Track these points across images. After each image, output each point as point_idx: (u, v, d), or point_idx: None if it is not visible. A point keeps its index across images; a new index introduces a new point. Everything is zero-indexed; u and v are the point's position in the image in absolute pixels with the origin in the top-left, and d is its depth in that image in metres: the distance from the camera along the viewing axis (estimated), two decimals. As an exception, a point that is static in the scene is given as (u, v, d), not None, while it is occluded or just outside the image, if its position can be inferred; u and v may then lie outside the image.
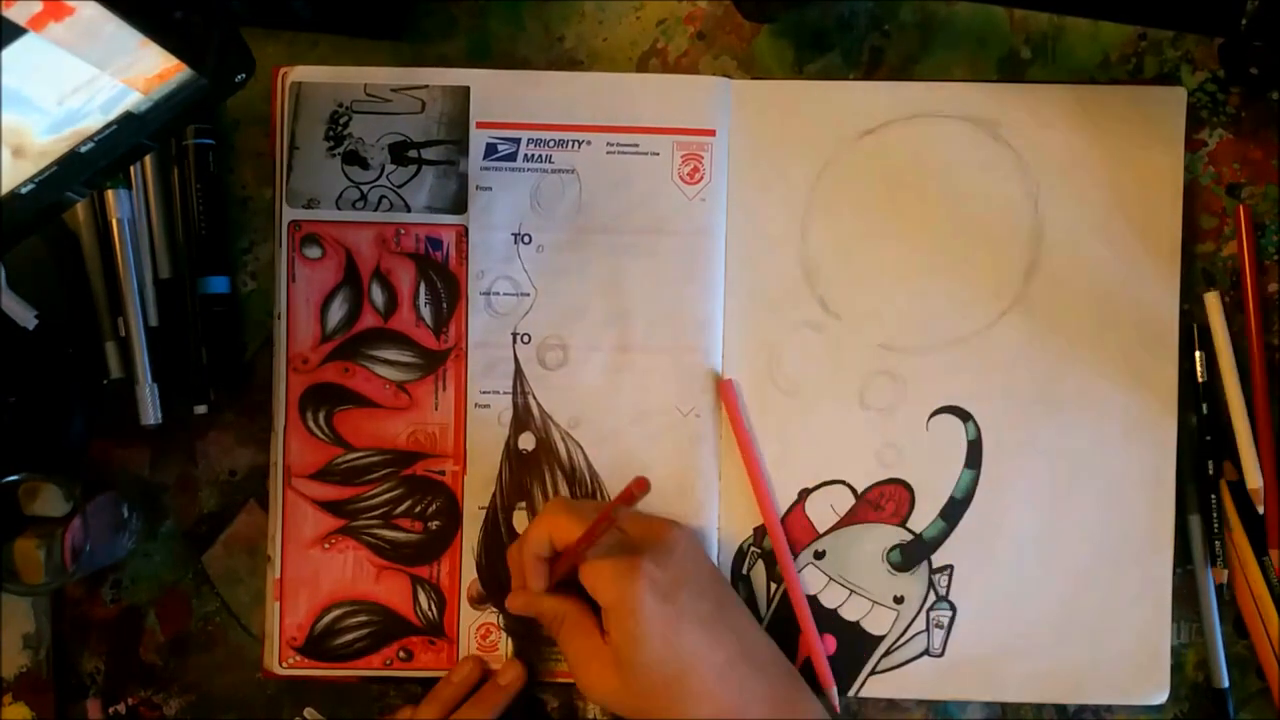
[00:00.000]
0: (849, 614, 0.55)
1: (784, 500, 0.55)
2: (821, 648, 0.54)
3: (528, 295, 0.55)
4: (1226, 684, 0.54)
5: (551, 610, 0.51)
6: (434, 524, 0.55)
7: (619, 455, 0.55)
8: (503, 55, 0.56)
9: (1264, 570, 0.54)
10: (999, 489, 0.55)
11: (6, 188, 0.37)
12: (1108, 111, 0.55)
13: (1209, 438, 0.55)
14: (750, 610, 0.52)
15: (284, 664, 0.55)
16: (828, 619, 0.55)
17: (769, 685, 0.49)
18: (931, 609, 0.55)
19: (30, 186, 0.38)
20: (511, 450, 0.55)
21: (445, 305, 0.55)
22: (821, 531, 0.55)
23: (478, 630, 0.55)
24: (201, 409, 0.55)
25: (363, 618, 0.55)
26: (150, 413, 0.54)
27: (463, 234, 0.55)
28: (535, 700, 0.56)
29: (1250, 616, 0.54)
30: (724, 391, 0.54)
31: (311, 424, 0.55)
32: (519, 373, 0.55)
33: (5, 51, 0.34)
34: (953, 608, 0.55)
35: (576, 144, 0.55)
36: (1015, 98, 0.55)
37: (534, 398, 0.55)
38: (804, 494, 0.55)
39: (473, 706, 0.53)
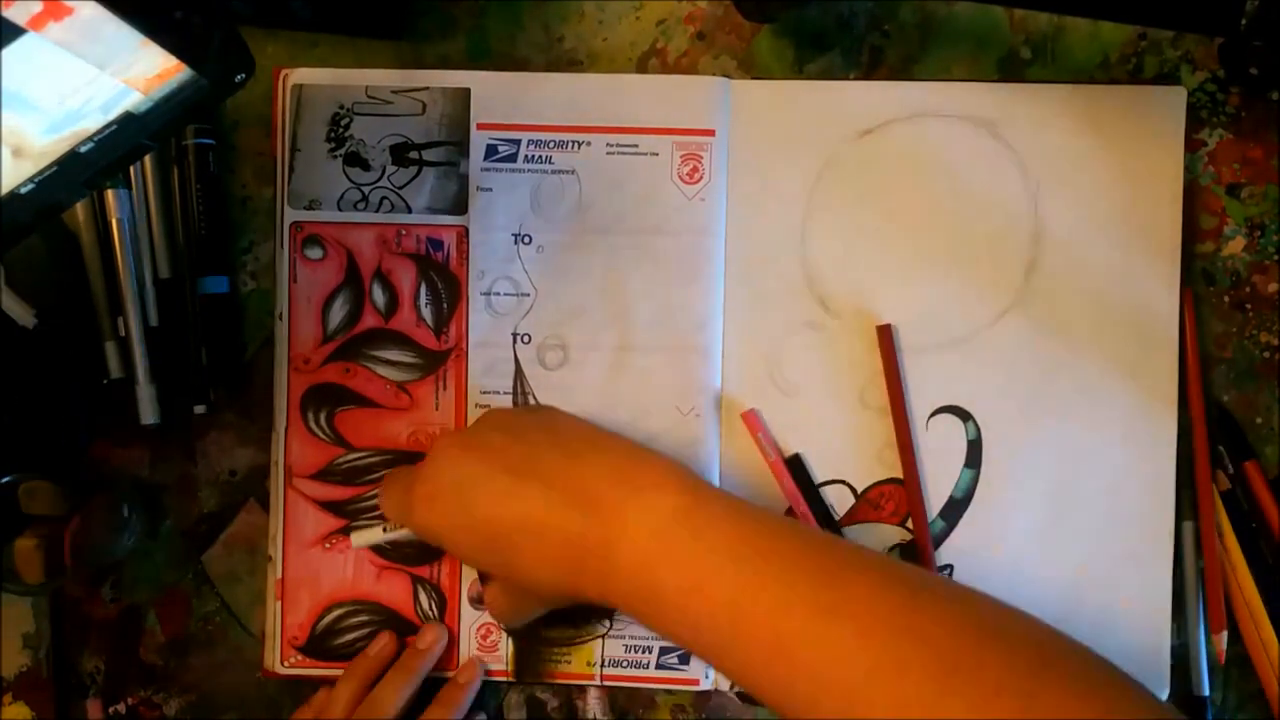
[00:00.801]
0: (849, 614, 0.55)
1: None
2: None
3: (528, 295, 0.56)
4: (1207, 691, 0.54)
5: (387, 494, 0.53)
6: (434, 524, 0.55)
7: (619, 455, 0.55)
8: (502, 55, 0.56)
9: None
10: (999, 488, 0.55)
11: (6, 188, 0.37)
12: (1108, 111, 0.55)
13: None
14: None
15: (286, 663, 0.55)
16: (828, 619, 0.55)
17: (615, 467, 0.47)
18: (932, 609, 0.55)
19: (30, 186, 0.38)
20: (512, 450, 0.55)
21: (446, 306, 0.56)
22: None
23: (478, 630, 0.55)
24: (201, 409, 0.55)
25: (364, 617, 0.55)
26: (150, 413, 0.54)
27: (463, 235, 0.55)
28: (536, 701, 0.56)
29: (1244, 623, 0.54)
30: (748, 421, 0.55)
31: (313, 424, 0.55)
32: (519, 373, 0.56)
33: (5, 51, 0.34)
34: (953, 607, 0.55)
35: (576, 145, 0.55)
36: (1015, 97, 0.55)
37: (534, 398, 0.55)
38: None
39: (437, 706, 0.54)
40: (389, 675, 0.53)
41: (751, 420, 0.54)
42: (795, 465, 0.55)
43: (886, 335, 0.54)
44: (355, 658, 0.55)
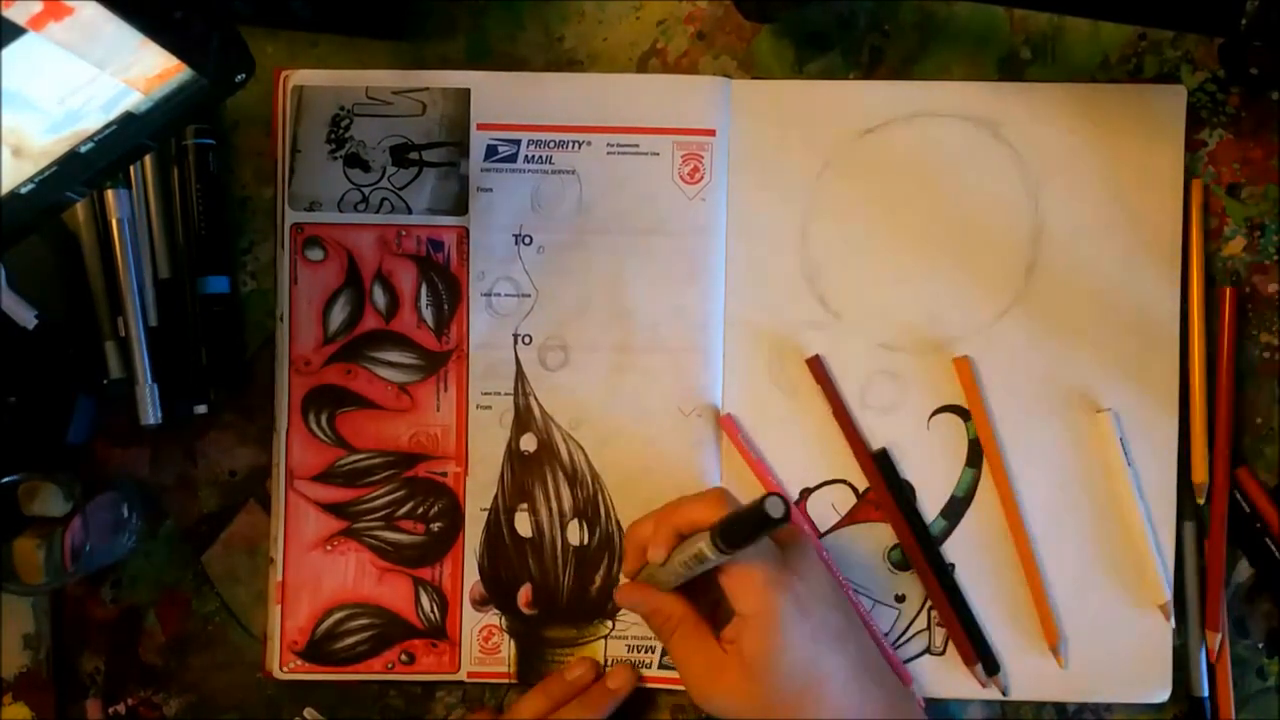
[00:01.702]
0: (850, 614, 0.55)
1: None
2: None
3: (529, 296, 0.55)
4: (1206, 692, 0.54)
5: (667, 611, 0.49)
6: (436, 526, 0.55)
7: (620, 456, 0.55)
8: (502, 55, 0.56)
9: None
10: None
11: (6, 188, 0.37)
12: (1108, 111, 0.55)
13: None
14: None
15: (284, 668, 0.55)
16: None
17: (885, 693, 0.49)
18: (933, 608, 0.55)
19: (30, 186, 0.38)
20: (513, 451, 0.55)
21: (446, 307, 0.55)
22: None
23: (480, 632, 0.55)
24: (201, 409, 0.55)
25: (364, 621, 0.55)
26: (150, 413, 0.54)
27: (464, 235, 0.55)
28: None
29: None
30: (725, 426, 0.55)
31: (314, 426, 0.55)
32: (520, 374, 0.55)
33: (5, 51, 0.34)
34: (954, 607, 0.55)
35: (577, 145, 0.55)
36: (1015, 97, 0.55)
37: (535, 399, 0.55)
38: (805, 493, 0.55)
39: (581, 706, 0.53)
40: (574, 705, 0.53)
41: (729, 425, 0.54)
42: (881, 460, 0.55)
43: (817, 365, 0.54)
44: (551, 675, 0.54)
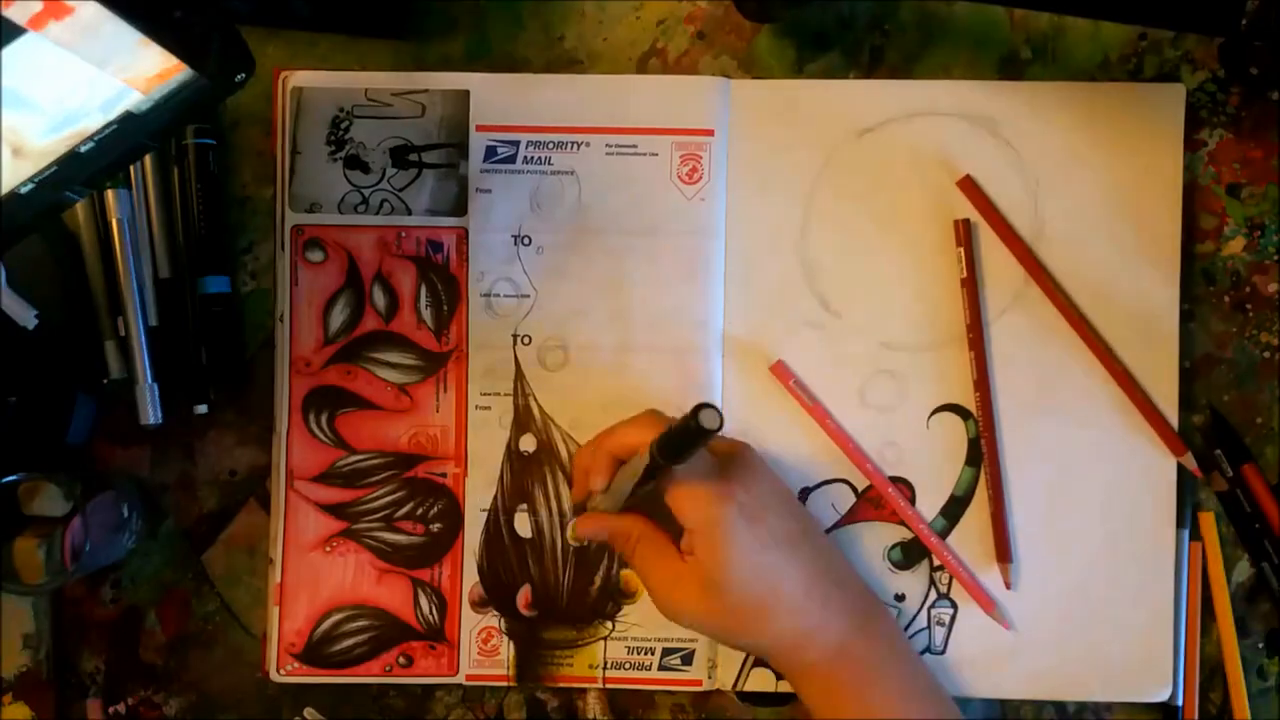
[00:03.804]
0: (850, 614, 0.55)
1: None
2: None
3: (528, 297, 0.55)
4: (1180, 701, 0.54)
5: (626, 530, 0.50)
6: (435, 526, 0.55)
7: (619, 456, 0.55)
8: (502, 55, 0.56)
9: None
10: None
11: (6, 188, 0.38)
12: (1107, 110, 0.55)
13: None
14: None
15: (282, 671, 0.55)
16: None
17: (849, 601, 0.49)
18: (933, 607, 0.55)
19: (30, 186, 0.38)
20: (513, 452, 0.55)
21: (446, 307, 0.55)
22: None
23: (479, 634, 0.55)
24: (201, 409, 0.55)
25: (363, 622, 0.55)
26: (150, 413, 0.54)
27: (463, 236, 0.55)
28: (536, 701, 0.56)
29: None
30: (777, 372, 0.54)
31: (314, 426, 0.55)
32: (520, 374, 0.55)
33: (5, 51, 0.34)
34: (954, 605, 0.54)
35: (575, 146, 0.55)
36: (1015, 96, 0.55)
37: (535, 399, 0.55)
38: (805, 493, 0.55)
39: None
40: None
41: (781, 371, 0.54)
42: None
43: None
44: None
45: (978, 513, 0.55)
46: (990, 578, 0.54)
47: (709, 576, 0.47)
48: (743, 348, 0.55)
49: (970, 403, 0.55)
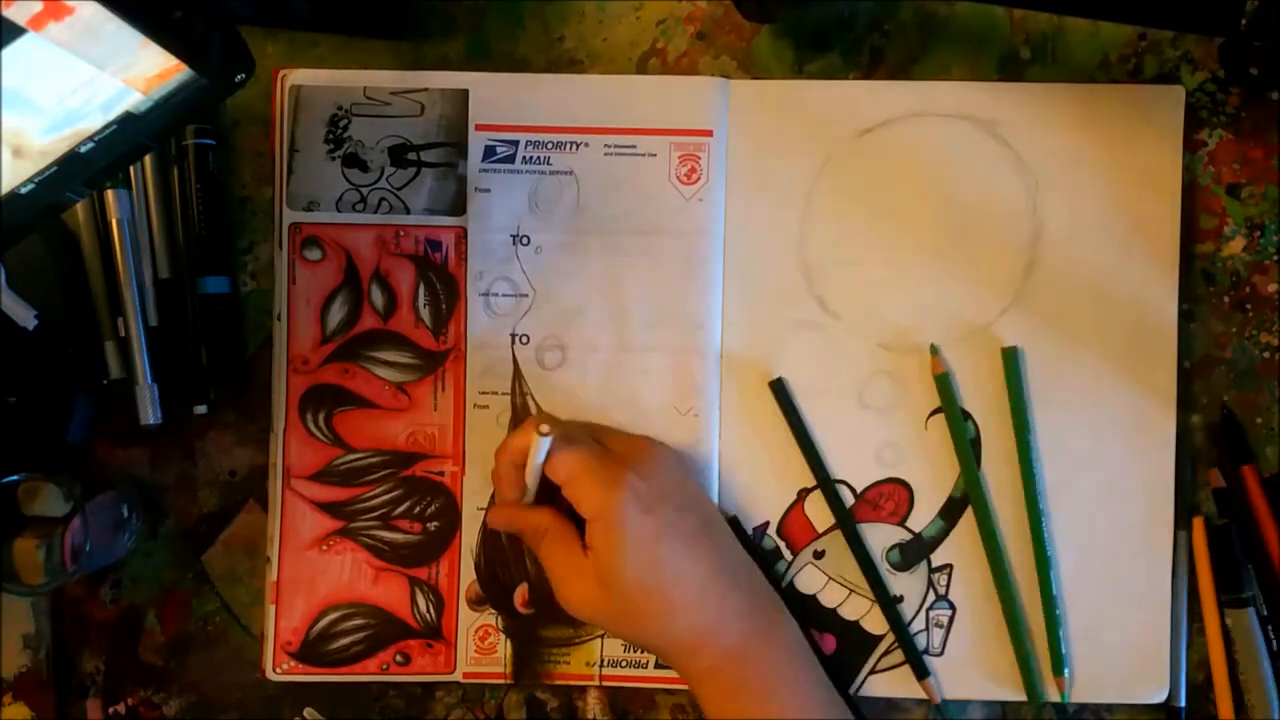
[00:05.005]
0: (848, 613, 0.55)
1: (783, 500, 0.55)
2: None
3: (526, 296, 0.56)
4: (1183, 703, 0.54)
5: (533, 523, 0.50)
6: (433, 525, 0.55)
7: (618, 455, 0.55)
8: (502, 55, 0.56)
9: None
10: (998, 488, 0.54)
11: (6, 188, 0.38)
12: (1107, 111, 0.55)
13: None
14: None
15: (278, 670, 0.55)
16: (827, 618, 0.55)
17: (748, 602, 0.49)
18: (931, 608, 0.55)
19: (30, 186, 0.38)
20: (511, 451, 0.55)
21: (444, 306, 0.56)
22: (821, 531, 0.55)
23: (476, 632, 0.55)
24: (201, 409, 0.55)
25: (359, 621, 0.55)
26: (150, 413, 0.54)
27: (462, 235, 0.55)
28: (536, 701, 0.56)
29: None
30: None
31: (311, 425, 0.55)
32: (518, 373, 0.56)
33: (5, 51, 0.34)
34: (952, 607, 0.55)
35: (574, 146, 0.55)
36: (1015, 97, 0.55)
37: (532, 398, 0.55)
38: (803, 494, 0.55)
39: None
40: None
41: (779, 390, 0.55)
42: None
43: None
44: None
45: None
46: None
47: (603, 564, 0.47)
48: (741, 349, 0.55)
49: (969, 403, 0.55)
